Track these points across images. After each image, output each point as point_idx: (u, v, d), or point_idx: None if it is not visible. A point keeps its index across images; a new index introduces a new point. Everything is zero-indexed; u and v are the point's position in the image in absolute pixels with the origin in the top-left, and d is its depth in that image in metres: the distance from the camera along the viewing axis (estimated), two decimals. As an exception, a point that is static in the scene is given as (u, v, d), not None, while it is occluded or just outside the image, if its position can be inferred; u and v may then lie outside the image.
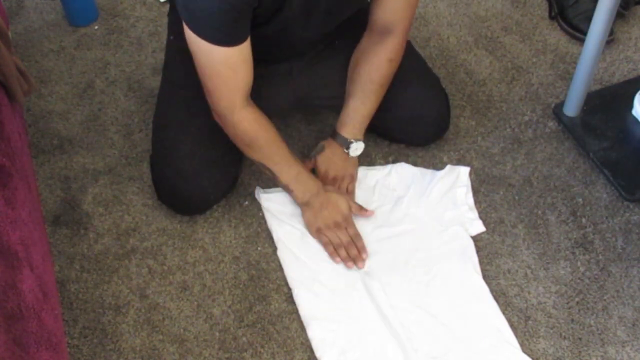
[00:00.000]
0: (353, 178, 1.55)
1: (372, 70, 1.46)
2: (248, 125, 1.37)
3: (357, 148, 1.52)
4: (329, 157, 1.54)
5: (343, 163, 1.54)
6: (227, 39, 1.26)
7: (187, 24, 1.25)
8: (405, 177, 1.57)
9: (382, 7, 1.39)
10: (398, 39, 1.43)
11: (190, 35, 1.26)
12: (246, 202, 1.55)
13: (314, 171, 1.55)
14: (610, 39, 1.81)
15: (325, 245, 1.45)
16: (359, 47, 1.48)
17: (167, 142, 1.47)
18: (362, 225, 1.49)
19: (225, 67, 1.29)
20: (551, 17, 1.90)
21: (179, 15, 1.48)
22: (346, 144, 1.51)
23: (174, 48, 1.54)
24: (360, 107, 1.49)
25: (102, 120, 1.70)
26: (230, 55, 1.27)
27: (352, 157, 1.54)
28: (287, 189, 1.47)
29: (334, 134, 1.53)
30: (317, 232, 1.46)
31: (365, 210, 1.50)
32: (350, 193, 1.53)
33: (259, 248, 1.48)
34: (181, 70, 1.49)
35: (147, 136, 1.65)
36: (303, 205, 1.47)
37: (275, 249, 1.47)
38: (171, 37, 1.55)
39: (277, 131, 1.41)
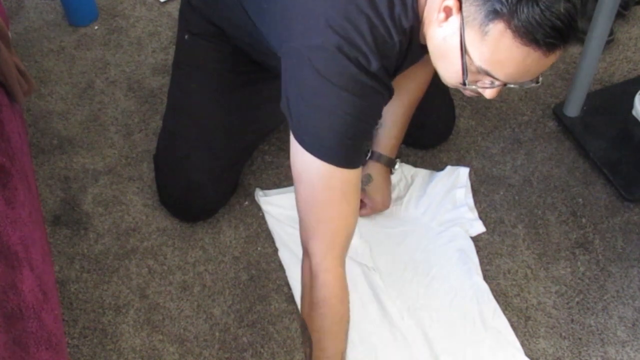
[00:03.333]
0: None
1: (410, 90, 1.42)
2: (330, 280, 1.14)
3: (397, 166, 1.50)
4: (380, 186, 1.47)
5: (388, 185, 1.49)
6: (354, 159, 1.13)
7: (303, 143, 1.11)
8: (404, 177, 1.57)
9: None
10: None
11: (304, 157, 1.12)
12: (246, 202, 1.55)
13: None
14: (610, 39, 1.81)
15: None
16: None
17: (177, 151, 1.46)
18: (363, 226, 1.49)
19: (342, 195, 1.13)
20: (551, 17, 1.90)
21: (194, 11, 1.46)
22: (392, 164, 1.48)
23: (190, 49, 1.48)
24: (399, 125, 1.45)
25: (102, 120, 1.70)
26: (350, 179, 1.13)
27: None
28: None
29: (377, 157, 1.46)
30: None
31: None
32: None
33: (259, 248, 1.48)
34: (196, 74, 1.45)
35: (147, 136, 1.65)
36: None
37: (275, 249, 1.47)
38: (186, 37, 1.48)
39: (348, 321, 1.17)
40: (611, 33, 1.78)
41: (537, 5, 0.92)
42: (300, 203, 1.16)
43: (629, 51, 1.83)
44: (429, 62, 1.17)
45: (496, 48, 0.97)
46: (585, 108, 1.65)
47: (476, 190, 1.56)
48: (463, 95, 1.73)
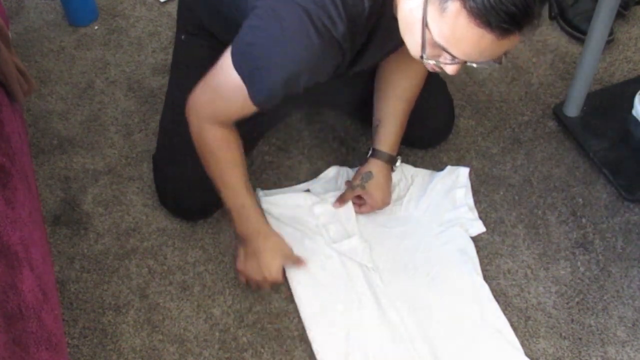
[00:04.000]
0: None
1: (407, 87, 1.43)
2: (213, 139, 1.30)
3: (398, 163, 1.51)
4: (380, 183, 1.48)
5: (389, 182, 1.50)
6: (266, 105, 1.20)
7: (238, 67, 1.17)
8: (404, 177, 1.57)
9: None
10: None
11: (229, 70, 1.18)
12: (246, 202, 1.55)
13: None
14: (610, 39, 1.81)
15: (240, 279, 1.42)
16: (389, 64, 1.44)
17: (174, 150, 1.46)
18: (363, 226, 1.49)
19: (236, 111, 1.24)
20: (551, 17, 1.90)
21: (191, 13, 1.47)
22: (393, 161, 1.49)
23: (187, 49, 1.50)
24: (398, 122, 1.46)
25: (102, 120, 1.70)
26: (249, 109, 1.21)
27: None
28: (229, 214, 1.38)
29: (377, 154, 1.47)
30: (237, 270, 1.41)
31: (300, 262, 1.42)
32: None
33: (259, 248, 1.48)
34: (194, 73, 1.44)
35: (147, 136, 1.65)
36: (239, 239, 1.40)
37: (275, 249, 1.47)
38: (183, 37, 1.51)
39: (241, 152, 1.33)
40: (611, 33, 1.79)
41: None
42: (203, 84, 1.26)
43: (629, 51, 1.83)
44: None
45: (453, 26, 0.97)
46: (585, 108, 1.64)
47: (476, 190, 1.56)
48: (463, 95, 1.73)
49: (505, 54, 1.03)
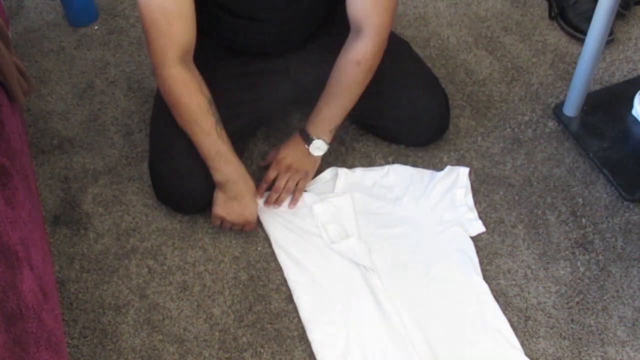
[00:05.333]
0: (307, 176, 1.54)
1: (339, 71, 1.43)
2: (174, 84, 1.34)
3: (318, 147, 1.51)
4: (291, 148, 1.53)
5: (302, 157, 1.53)
6: None
7: None
8: (403, 177, 1.57)
9: (351, 0, 1.35)
10: (369, 40, 1.37)
11: None
12: (246, 202, 1.55)
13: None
14: (610, 39, 1.81)
15: (215, 222, 1.47)
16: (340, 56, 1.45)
17: (163, 140, 1.48)
18: (362, 226, 1.49)
19: (161, 16, 1.27)
20: (551, 17, 1.90)
21: None
22: (308, 141, 1.51)
23: None
24: (324, 108, 1.48)
25: (102, 120, 1.70)
26: (167, 4, 1.26)
27: (313, 156, 1.52)
28: (206, 163, 1.41)
29: (301, 129, 1.53)
30: (215, 214, 1.45)
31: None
32: (299, 190, 1.53)
33: (259, 248, 1.48)
34: None
35: (147, 136, 1.65)
36: (218, 185, 1.44)
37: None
38: None
39: (208, 101, 1.37)
40: (611, 33, 1.79)
41: None
42: (142, 27, 1.31)
43: (629, 51, 1.83)
44: (364, 40, 1.35)
45: None
46: (585, 108, 1.64)
47: (476, 190, 1.56)
48: (463, 95, 1.73)
49: None
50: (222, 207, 1.43)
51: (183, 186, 1.46)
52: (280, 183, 1.50)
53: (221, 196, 1.43)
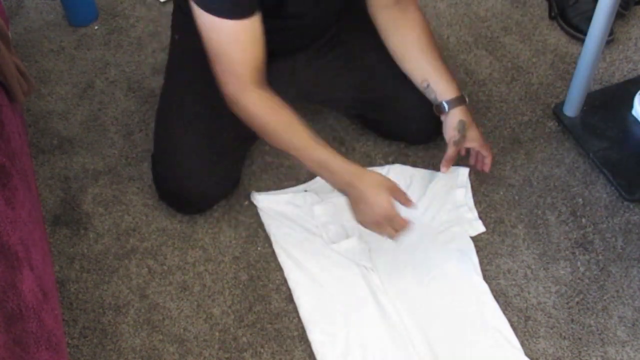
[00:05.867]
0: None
1: (419, 36, 1.44)
2: (257, 108, 1.30)
3: (467, 100, 1.49)
4: (471, 122, 1.46)
5: (474, 121, 1.47)
6: (235, 10, 1.22)
7: (197, 3, 1.22)
8: (403, 177, 1.57)
9: None
10: (414, 6, 1.44)
11: (197, 12, 1.23)
12: (246, 202, 1.55)
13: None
14: (610, 39, 1.81)
15: (374, 231, 1.36)
16: (388, 35, 1.46)
17: (170, 140, 1.47)
18: (362, 228, 1.49)
19: (234, 45, 1.25)
20: (551, 17, 1.90)
21: (184, 15, 1.48)
22: (464, 100, 1.47)
23: (180, 48, 1.54)
24: (440, 69, 1.46)
25: (102, 120, 1.70)
26: (239, 30, 1.23)
27: None
28: (317, 175, 1.37)
29: (449, 104, 1.45)
30: (359, 222, 1.36)
31: (409, 202, 1.35)
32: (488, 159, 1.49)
33: (259, 248, 1.48)
34: (187, 71, 1.49)
35: (147, 136, 1.65)
36: (342, 193, 1.36)
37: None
38: (176, 37, 1.55)
39: (294, 113, 1.32)
40: (611, 33, 1.78)
41: None
42: (209, 57, 1.29)
43: (629, 51, 1.83)
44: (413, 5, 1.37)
45: None
46: (585, 108, 1.64)
47: (476, 190, 1.56)
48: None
49: None
50: (357, 214, 1.34)
51: (188, 187, 1.46)
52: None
53: (349, 203, 1.35)
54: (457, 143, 1.46)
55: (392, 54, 1.48)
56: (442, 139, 1.63)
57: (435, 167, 1.59)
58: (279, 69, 1.50)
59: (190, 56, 1.48)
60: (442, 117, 1.48)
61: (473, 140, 1.47)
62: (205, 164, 1.44)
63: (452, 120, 1.46)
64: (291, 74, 1.51)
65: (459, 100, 1.46)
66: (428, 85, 1.47)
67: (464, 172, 1.56)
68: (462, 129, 1.45)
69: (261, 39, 1.28)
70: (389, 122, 1.59)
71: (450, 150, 1.47)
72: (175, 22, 1.57)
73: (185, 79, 1.49)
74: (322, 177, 1.35)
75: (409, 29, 1.44)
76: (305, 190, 1.54)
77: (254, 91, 1.29)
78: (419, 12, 1.45)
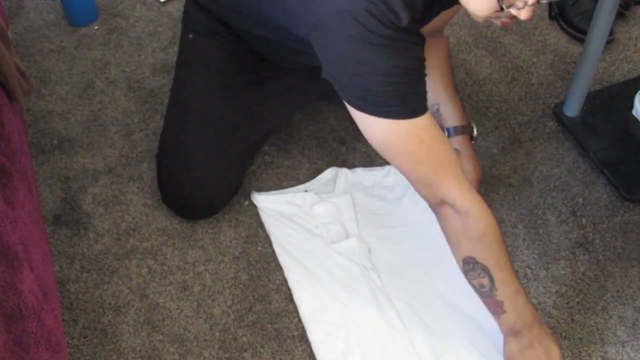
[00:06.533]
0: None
1: (441, 62, 1.44)
2: (481, 209, 1.17)
3: (476, 132, 1.49)
4: (467, 154, 1.45)
5: (476, 154, 1.46)
6: (424, 104, 1.15)
7: (374, 113, 1.12)
8: (403, 178, 1.56)
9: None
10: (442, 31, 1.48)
11: (379, 124, 1.13)
12: (246, 202, 1.55)
13: None
14: (610, 39, 1.81)
15: None
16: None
17: (179, 148, 1.46)
18: (362, 227, 1.49)
19: (434, 137, 1.16)
20: (551, 17, 1.90)
21: (200, 11, 1.46)
22: (469, 130, 1.46)
23: (193, 49, 1.49)
24: (452, 96, 1.46)
25: (102, 120, 1.70)
26: (431, 121, 1.15)
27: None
28: (497, 308, 1.22)
29: (451, 131, 1.44)
30: None
31: None
32: None
33: (259, 248, 1.48)
34: (201, 73, 1.46)
35: (147, 136, 1.65)
36: (510, 334, 1.23)
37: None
38: (190, 36, 1.48)
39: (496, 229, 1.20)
40: (611, 33, 1.78)
41: None
42: (407, 170, 1.19)
43: (629, 51, 1.83)
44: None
45: None
46: (585, 108, 1.65)
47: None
48: (463, 95, 1.73)
49: None
50: (518, 358, 1.22)
51: (195, 196, 1.45)
52: None
53: (514, 346, 1.23)
54: None
55: None
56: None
57: (435, 167, 1.60)
58: (279, 68, 1.50)
59: (204, 60, 1.46)
60: None
61: (465, 173, 1.38)
62: (215, 174, 1.43)
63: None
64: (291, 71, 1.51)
65: (463, 129, 1.46)
66: (438, 110, 1.46)
67: None
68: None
69: None
70: None
71: None
72: (188, 19, 1.50)
73: (197, 83, 1.46)
74: (504, 309, 1.21)
75: (434, 51, 1.41)
76: (305, 190, 1.54)
77: (469, 192, 1.18)
78: (444, 37, 1.45)
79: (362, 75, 1.11)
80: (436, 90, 1.45)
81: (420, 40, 1.15)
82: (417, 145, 1.15)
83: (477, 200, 1.18)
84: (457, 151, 1.43)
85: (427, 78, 1.41)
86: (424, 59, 1.16)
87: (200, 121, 1.45)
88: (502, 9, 1.04)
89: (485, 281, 1.19)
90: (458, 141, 1.45)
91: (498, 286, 1.19)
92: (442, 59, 1.46)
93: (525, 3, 1.04)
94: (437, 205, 1.20)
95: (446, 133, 1.45)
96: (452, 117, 1.46)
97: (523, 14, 1.06)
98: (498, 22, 1.09)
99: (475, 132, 1.48)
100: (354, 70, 1.11)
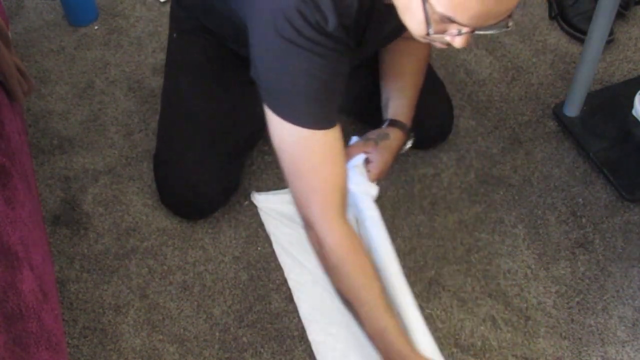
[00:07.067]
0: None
1: (412, 62, 1.42)
2: (338, 241, 1.16)
3: (410, 144, 1.47)
4: (391, 147, 1.40)
5: (394, 156, 1.43)
6: (328, 119, 1.13)
7: (276, 111, 1.12)
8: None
9: None
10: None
11: (279, 125, 1.13)
12: (246, 202, 1.55)
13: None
14: (610, 39, 1.81)
15: None
16: (389, 48, 1.43)
17: (172, 148, 1.46)
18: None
19: (325, 158, 1.15)
20: (551, 17, 1.90)
21: (182, 9, 1.47)
22: (407, 131, 1.44)
23: (178, 48, 1.51)
24: (412, 95, 1.43)
25: (102, 120, 1.70)
26: (330, 139, 1.13)
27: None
28: (370, 341, 1.19)
29: (395, 123, 1.41)
30: None
31: None
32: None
33: (259, 248, 1.48)
34: (187, 72, 1.47)
35: (147, 136, 1.65)
36: None
37: (275, 249, 1.48)
38: (174, 35, 1.51)
39: (373, 265, 1.19)
40: (611, 33, 1.79)
41: None
42: (287, 174, 1.18)
43: (629, 51, 1.83)
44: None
45: None
46: (585, 108, 1.65)
47: (476, 190, 1.56)
48: (463, 95, 1.73)
49: (511, 15, 1.00)
50: None
51: (194, 196, 1.45)
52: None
53: None
54: (367, 140, 1.41)
55: (380, 63, 1.46)
56: (443, 142, 1.64)
57: (436, 167, 1.60)
58: None
59: (189, 57, 1.47)
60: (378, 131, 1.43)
61: (379, 156, 1.39)
62: (209, 173, 1.43)
63: (383, 130, 1.42)
64: None
65: (401, 125, 1.42)
66: (387, 103, 1.44)
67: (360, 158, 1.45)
68: (381, 138, 1.41)
69: (344, 149, 1.18)
70: None
71: (358, 144, 1.41)
72: (172, 18, 1.53)
73: (185, 83, 1.47)
74: (372, 340, 1.17)
75: (413, 49, 1.41)
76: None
77: (338, 222, 1.16)
78: (429, 46, 1.38)
79: (276, 72, 1.11)
80: (393, 85, 1.44)
81: (347, 49, 1.13)
82: (305, 158, 1.14)
83: (336, 232, 1.16)
84: (387, 135, 1.40)
85: (388, 73, 1.39)
86: (343, 74, 1.14)
87: (189, 121, 1.45)
88: (428, 35, 1.02)
89: (353, 312, 1.18)
90: (393, 132, 1.41)
91: (362, 321, 1.17)
92: (416, 59, 1.44)
93: (459, 31, 1.00)
94: (305, 223, 1.20)
95: (384, 124, 1.43)
96: (396, 112, 1.43)
97: (457, 42, 1.03)
98: (437, 44, 1.06)
99: (409, 144, 1.47)
100: (271, 65, 1.12)
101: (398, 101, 1.44)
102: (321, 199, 1.16)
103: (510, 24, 1.02)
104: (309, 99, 1.12)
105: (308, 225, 1.19)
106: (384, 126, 1.43)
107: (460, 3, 0.95)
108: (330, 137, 1.14)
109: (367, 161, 1.40)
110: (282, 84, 1.12)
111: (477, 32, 1.01)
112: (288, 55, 1.09)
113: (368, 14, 1.14)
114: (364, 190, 1.36)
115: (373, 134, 1.43)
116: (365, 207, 1.34)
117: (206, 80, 1.45)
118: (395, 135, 1.42)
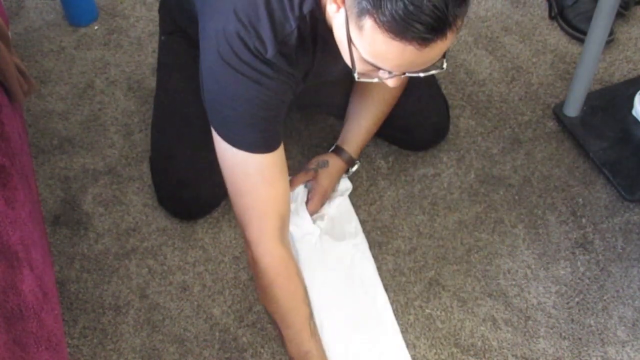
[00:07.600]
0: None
1: (386, 91, 1.43)
2: (270, 263, 1.19)
3: (356, 169, 1.52)
4: (331, 174, 1.48)
5: (336, 182, 1.50)
6: (266, 144, 1.15)
7: (217, 130, 1.15)
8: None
9: None
10: None
11: (220, 144, 1.16)
12: (246, 202, 1.55)
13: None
14: (610, 39, 1.81)
15: None
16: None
17: (165, 149, 1.47)
18: (360, 229, 1.49)
19: (262, 180, 1.17)
20: (551, 17, 1.90)
21: (171, 15, 1.48)
22: (351, 163, 1.49)
23: (166, 51, 1.51)
24: (368, 125, 1.46)
25: (102, 120, 1.70)
26: (268, 163, 1.16)
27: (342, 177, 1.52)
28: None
29: (338, 150, 1.48)
30: None
31: None
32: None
33: (259, 248, 1.48)
34: (175, 73, 1.48)
35: (147, 136, 1.65)
36: None
37: (275, 249, 1.47)
38: (162, 38, 1.52)
39: (304, 287, 1.23)
40: (611, 33, 1.79)
41: (401, 0, 0.87)
42: (229, 191, 1.21)
43: (629, 51, 1.83)
44: None
45: (373, 42, 0.93)
46: (585, 108, 1.65)
47: (476, 190, 1.56)
48: (463, 95, 1.73)
49: (444, 56, 0.99)
50: None
51: (188, 195, 1.46)
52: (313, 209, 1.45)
53: None
54: (307, 171, 1.48)
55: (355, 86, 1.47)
56: (443, 140, 1.64)
57: (435, 167, 1.60)
58: None
59: (178, 60, 1.47)
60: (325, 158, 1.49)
61: (318, 185, 1.46)
62: (203, 172, 1.43)
63: (323, 157, 1.48)
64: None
65: (346, 156, 1.47)
66: (346, 123, 1.48)
67: (345, 183, 1.54)
68: (321, 165, 1.48)
69: (286, 173, 1.21)
70: (387, 132, 1.58)
71: (299, 175, 1.48)
72: (162, 22, 1.53)
73: (175, 85, 1.48)
74: None
75: (382, 85, 1.43)
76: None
77: (273, 244, 1.20)
78: (400, 88, 1.41)
79: (217, 92, 1.13)
80: (355, 109, 1.46)
81: (286, 78, 1.13)
82: (242, 179, 1.17)
83: (269, 255, 1.19)
84: (326, 162, 1.46)
85: (358, 91, 1.40)
86: (284, 101, 1.15)
87: (180, 122, 1.46)
88: (356, 75, 1.03)
89: (278, 331, 1.23)
90: (334, 159, 1.47)
91: (286, 342, 1.22)
92: (384, 94, 1.44)
93: (390, 73, 1.00)
94: (244, 240, 1.22)
95: (333, 147, 1.49)
96: (346, 139, 1.48)
97: (390, 82, 1.04)
98: (373, 81, 1.07)
99: (353, 169, 1.51)
100: (212, 85, 1.13)
101: (351, 128, 1.48)
102: (257, 220, 1.19)
103: (445, 65, 1.02)
104: (245, 124, 1.13)
105: (245, 243, 1.22)
106: (330, 151, 1.49)
107: (380, 54, 0.95)
108: (269, 160, 1.16)
109: (308, 190, 1.47)
110: (222, 104, 1.14)
111: (408, 74, 1.01)
112: (227, 77, 1.10)
113: (312, 44, 1.13)
114: (305, 231, 1.43)
115: (313, 163, 1.48)
116: (303, 248, 1.41)
117: (195, 81, 1.45)
118: (334, 162, 1.47)
